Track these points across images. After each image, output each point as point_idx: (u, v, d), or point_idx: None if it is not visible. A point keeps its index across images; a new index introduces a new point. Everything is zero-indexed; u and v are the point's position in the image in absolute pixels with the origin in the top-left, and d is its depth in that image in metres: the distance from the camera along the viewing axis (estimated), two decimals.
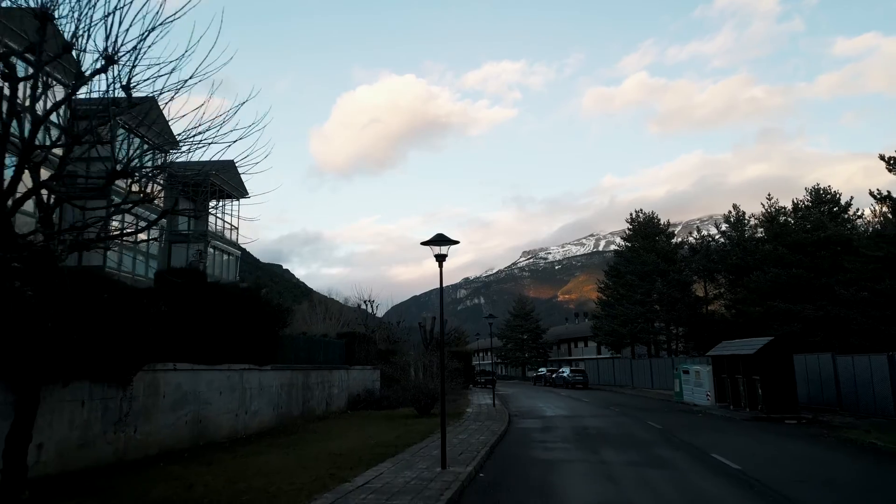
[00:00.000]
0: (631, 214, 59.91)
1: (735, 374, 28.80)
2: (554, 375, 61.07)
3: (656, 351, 57.74)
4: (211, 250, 36.46)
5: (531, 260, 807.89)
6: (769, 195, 48.01)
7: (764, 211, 48.18)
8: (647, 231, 56.67)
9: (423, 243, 13.28)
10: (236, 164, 11.62)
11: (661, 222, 57.86)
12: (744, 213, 51.89)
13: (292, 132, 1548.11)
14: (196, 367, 17.30)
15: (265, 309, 22.31)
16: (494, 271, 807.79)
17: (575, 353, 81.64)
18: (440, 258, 13.23)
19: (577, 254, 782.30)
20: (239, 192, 40.28)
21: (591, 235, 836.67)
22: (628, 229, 60.44)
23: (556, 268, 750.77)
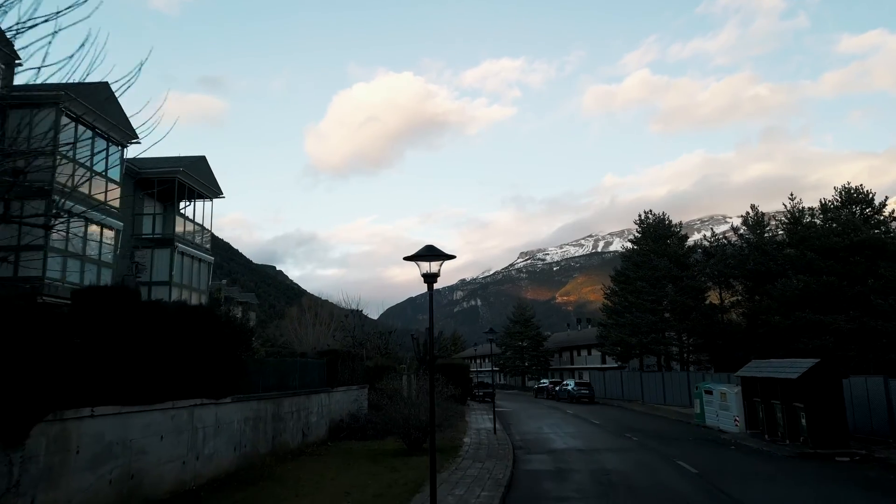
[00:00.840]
0: (639, 216, 56.75)
1: (771, 398, 25.60)
2: (557, 388, 57.84)
3: (667, 362, 54.58)
4: (178, 257, 33.18)
5: (529, 261, 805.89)
6: (792, 194, 45.02)
7: (786, 211, 45.09)
8: (657, 233, 53.50)
9: (408, 258, 10.04)
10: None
11: (673, 224, 54.68)
12: (762, 213, 48.87)
13: (287, 131, 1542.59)
14: (126, 410, 14.00)
15: (223, 331, 19.07)
16: (491, 272, 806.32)
17: (577, 362, 78.48)
18: (429, 279, 9.98)
19: (576, 255, 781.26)
20: (211, 190, 37.04)
21: (590, 236, 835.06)
22: (637, 231, 57.26)
23: (555, 269, 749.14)
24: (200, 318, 17.63)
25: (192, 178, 34.52)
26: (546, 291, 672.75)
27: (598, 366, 72.63)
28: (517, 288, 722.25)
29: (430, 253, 9.72)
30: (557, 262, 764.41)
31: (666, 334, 51.68)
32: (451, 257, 10.01)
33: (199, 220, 37.08)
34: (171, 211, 34.55)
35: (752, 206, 48.87)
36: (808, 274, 37.87)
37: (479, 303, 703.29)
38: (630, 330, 52.38)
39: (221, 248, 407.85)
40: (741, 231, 49.09)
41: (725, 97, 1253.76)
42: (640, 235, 55.99)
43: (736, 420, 28.63)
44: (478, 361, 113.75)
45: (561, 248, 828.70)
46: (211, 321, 18.25)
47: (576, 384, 54.30)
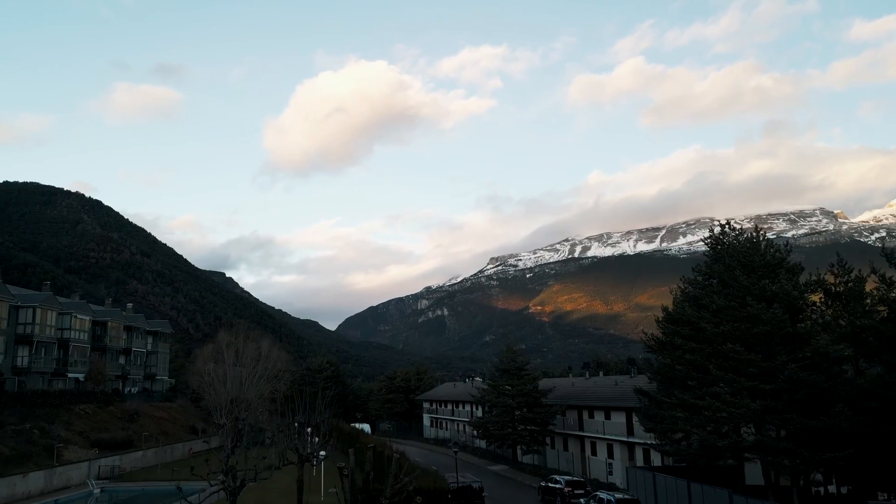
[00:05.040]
0: (712, 231, 38.46)
1: None
2: (583, 501, 39.06)
3: (766, 473, 36.06)
4: None
5: (500, 267, 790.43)
6: None
7: None
8: (748, 261, 34.98)
9: None
10: None
11: (774, 245, 36.31)
12: None
13: (245, 125, 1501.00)
14: None
15: None
16: (459, 279, 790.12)
17: (589, 428, 59.94)
18: None
19: (551, 261, 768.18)
20: None
21: (566, 240, 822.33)
22: (705, 254, 39.03)
23: (528, 276, 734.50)
24: None
25: None
26: (518, 300, 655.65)
27: (622, 438, 54.42)
28: (487, 296, 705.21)
29: None
30: (531, 269, 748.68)
31: (764, 430, 33.31)
32: None
33: None
34: None
35: None
36: None
37: (445, 312, 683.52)
38: (706, 418, 34.00)
39: (163, 254, 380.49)
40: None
41: (725, 88, 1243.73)
42: (711, 260, 37.63)
43: None
44: (448, 407, 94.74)
45: (535, 253, 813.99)
46: None
47: (617, 502, 35.63)
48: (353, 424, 75.32)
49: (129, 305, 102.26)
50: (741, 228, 38.00)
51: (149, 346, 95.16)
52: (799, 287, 33.49)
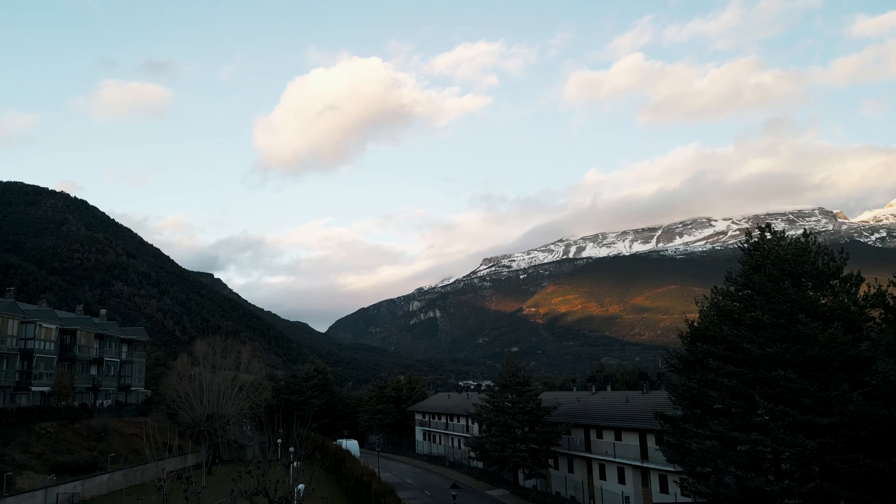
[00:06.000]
0: (749, 235, 33.56)
1: None
2: None
3: None
4: None
5: (493, 268, 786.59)
6: None
7: None
8: (799, 271, 30.12)
9: None
10: None
11: (829, 254, 31.35)
12: None
13: (235, 123, 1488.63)
14: None
15: None
16: (452, 280, 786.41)
17: (598, 449, 55.10)
18: None
19: (545, 261, 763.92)
20: None
21: (561, 241, 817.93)
22: (742, 261, 34.16)
23: (521, 277, 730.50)
24: None
25: None
26: (512, 302, 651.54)
27: (636, 462, 49.64)
28: (480, 298, 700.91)
29: None
30: (524, 270, 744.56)
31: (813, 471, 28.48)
32: None
33: None
34: None
35: None
36: None
37: (437, 314, 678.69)
38: (745, 454, 29.17)
39: (149, 255, 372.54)
40: None
41: (725, 85, 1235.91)
42: (752, 270, 32.73)
43: None
44: (442, 420, 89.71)
45: (528, 253, 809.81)
46: None
47: None
48: (338, 441, 70.17)
49: (103, 311, 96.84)
50: (783, 231, 33.12)
51: (123, 356, 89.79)
52: (859, 302, 28.67)
